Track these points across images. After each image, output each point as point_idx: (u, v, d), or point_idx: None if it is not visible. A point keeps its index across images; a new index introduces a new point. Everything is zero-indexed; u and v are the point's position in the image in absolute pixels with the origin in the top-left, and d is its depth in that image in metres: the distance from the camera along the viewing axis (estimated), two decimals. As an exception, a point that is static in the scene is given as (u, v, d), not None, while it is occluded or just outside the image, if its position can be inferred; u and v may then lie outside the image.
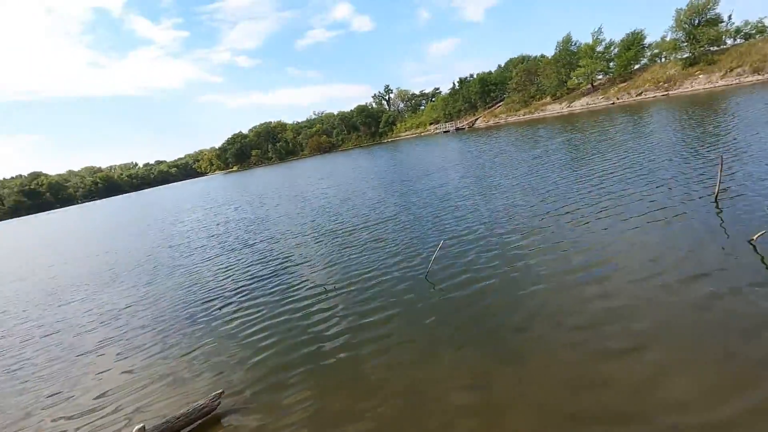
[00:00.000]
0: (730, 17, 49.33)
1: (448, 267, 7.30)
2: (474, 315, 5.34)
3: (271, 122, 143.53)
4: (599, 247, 6.67)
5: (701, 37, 48.02)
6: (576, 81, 62.68)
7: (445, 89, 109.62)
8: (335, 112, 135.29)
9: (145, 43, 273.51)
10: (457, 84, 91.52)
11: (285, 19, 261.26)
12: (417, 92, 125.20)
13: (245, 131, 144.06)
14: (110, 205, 71.30)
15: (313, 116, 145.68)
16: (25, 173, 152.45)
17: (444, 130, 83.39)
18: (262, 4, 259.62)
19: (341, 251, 9.53)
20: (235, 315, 6.98)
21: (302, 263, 9.22)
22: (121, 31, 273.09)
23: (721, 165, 8.06)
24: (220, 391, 4.55)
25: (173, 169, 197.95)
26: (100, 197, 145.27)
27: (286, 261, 9.69)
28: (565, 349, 4.28)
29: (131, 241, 19.00)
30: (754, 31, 49.73)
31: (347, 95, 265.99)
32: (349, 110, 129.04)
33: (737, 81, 42.15)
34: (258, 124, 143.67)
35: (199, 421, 4.29)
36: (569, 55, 64.13)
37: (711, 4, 48.76)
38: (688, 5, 49.89)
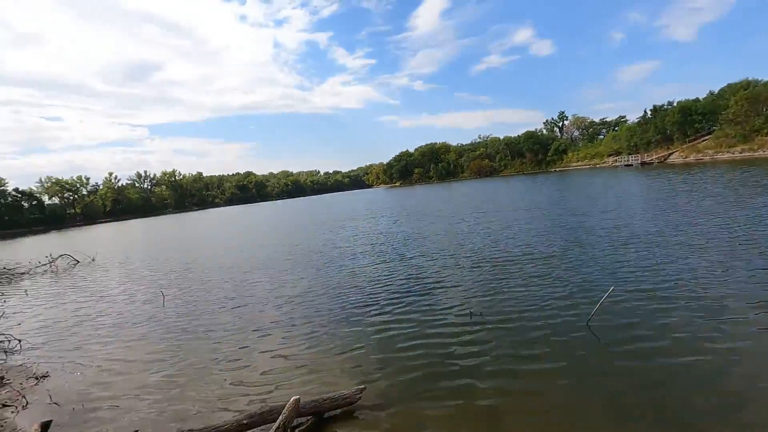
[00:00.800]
0: None
1: (616, 318, 6.37)
2: (643, 386, 4.47)
3: (435, 143, 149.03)
4: None
5: None
6: (832, 113, 47.77)
7: (631, 118, 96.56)
8: (501, 137, 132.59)
9: (340, 70, 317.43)
10: (649, 112, 79.65)
11: (463, 46, 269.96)
12: (596, 120, 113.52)
13: (411, 150, 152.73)
14: (297, 203, 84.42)
15: (478, 140, 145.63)
16: (240, 172, 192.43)
17: (626, 163, 73.33)
18: (444, 32, 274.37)
19: (497, 281, 9.18)
20: (386, 324, 7.31)
21: (455, 286, 9.20)
22: (325, 60, 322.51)
23: None
24: (363, 387, 4.84)
25: (346, 179, 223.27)
26: (289, 197, 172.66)
27: (440, 281, 9.81)
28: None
29: (308, 236, 22.02)
30: None
31: (515, 120, 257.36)
32: (515, 135, 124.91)
33: None
34: (423, 144, 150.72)
35: (341, 409, 4.64)
36: (824, 80, 49.40)
37: None
38: None
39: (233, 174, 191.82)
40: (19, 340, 8.57)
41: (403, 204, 42.86)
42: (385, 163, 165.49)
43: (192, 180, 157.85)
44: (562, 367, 5.18)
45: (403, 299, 8.54)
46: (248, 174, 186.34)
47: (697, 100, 72.39)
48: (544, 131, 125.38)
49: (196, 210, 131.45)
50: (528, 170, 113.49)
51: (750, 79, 65.92)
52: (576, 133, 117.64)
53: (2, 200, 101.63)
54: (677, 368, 4.80)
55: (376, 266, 12.26)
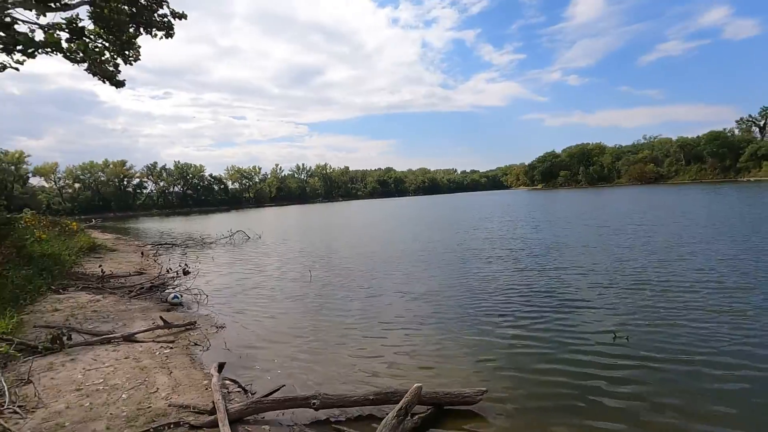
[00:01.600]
0: None
1: None
2: None
3: (588, 144, 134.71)
4: None
5: None
6: None
7: None
8: (673, 138, 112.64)
9: (485, 66, 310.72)
10: None
11: (631, 33, 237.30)
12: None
13: (558, 150, 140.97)
14: (433, 200, 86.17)
15: (642, 140, 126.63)
16: (382, 167, 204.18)
17: None
18: (608, 19, 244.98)
19: (660, 308, 7.81)
20: (518, 338, 6.83)
21: (604, 307, 8.07)
22: (470, 58, 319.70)
23: None
24: (485, 389, 4.76)
25: (483, 179, 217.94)
26: (425, 193, 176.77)
27: (585, 299, 8.75)
28: None
29: (443, 234, 22.31)
30: None
31: (693, 118, 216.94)
32: (693, 136, 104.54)
33: None
34: (573, 144, 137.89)
35: (459, 407, 4.65)
36: None
37: None
38: None
39: (375, 169, 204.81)
40: (207, 295, 10.74)
41: (546, 208, 39.96)
42: (527, 164, 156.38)
43: (340, 173, 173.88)
44: (703, 396, 4.47)
45: (539, 313, 7.94)
46: (389, 170, 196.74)
47: None
48: (736, 131, 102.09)
49: (342, 201, 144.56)
50: (708, 178, 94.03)
51: None
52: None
53: (202, 183, 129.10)
54: None
55: (511, 273, 11.74)
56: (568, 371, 5.39)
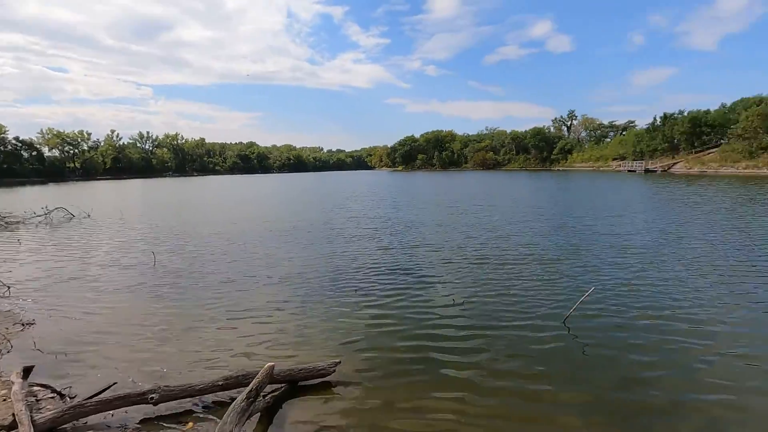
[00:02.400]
0: None
1: (595, 317, 6.52)
2: (608, 380, 4.56)
3: (442, 131, 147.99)
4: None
5: None
6: (841, 137, 47.50)
7: (641, 124, 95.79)
8: (508, 131, 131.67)
9: (353, 47, 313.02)
10: (659, 120, 78.97)
11: (480, 34, 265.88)
12: (605, 122, 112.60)
13: (417, 135, 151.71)
14: (299, 178, 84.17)
15: (485, 131, 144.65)
16: (243, 141, 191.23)
17: (630, 168, 73.18)
18: (463, 18, 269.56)
19: (487, 274, 9.29)
20: (373, 312, 7.29)
21: (446, 280, 9.23)
22: (337, 36, 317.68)
23: None
24: (338, 360, 4.94)
25: (349, 159, 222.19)
26: (290, 171, 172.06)
27: (431, 270, 9.87)
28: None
29: (309, 213, 22.05)
30: None
31: (525, 115, 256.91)
32: (523, 131, 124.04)
33: None
34: (429, 131, 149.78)
35: (315, 380, 4.74)
36: (838, 103, 49.00)
37: None
38: None
39: (236, 143, 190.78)
40: (8, 287, 8.64)
41: (406, 189, 42.80)
42: (389, 146, 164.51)
43: (194, 145, 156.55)
44: (532, 356, 5.34)
45: (397, 290, 8.44)
46: (251, 144, 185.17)
47: (708, 111, 71.78)
48: (552, 129, 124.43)
49: (197, 176, 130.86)
50: (532, 167, 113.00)
51: (764, 95, 65.17)
52: (583, 134, 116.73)
53: (1, 148, 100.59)
54: (644, 365, 4.91)
55: (372, 252, 12.31)
56: (418, 345, 5.78)
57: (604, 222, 16.11)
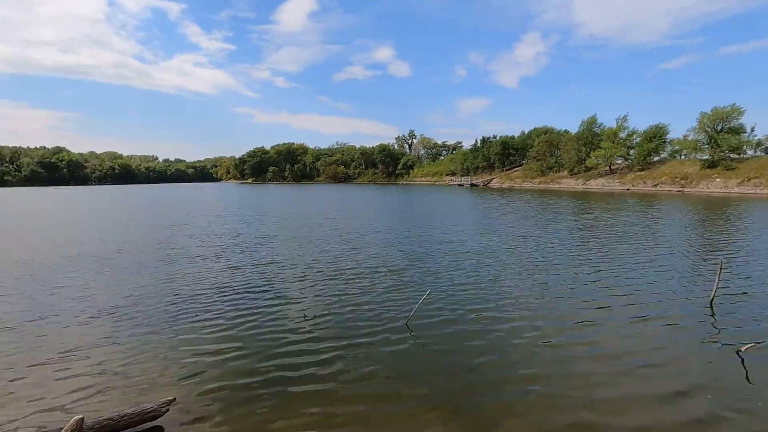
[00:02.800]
0: (753, 129, 50.48)
1: (432, 317, 7.34)
2: (446, 370, 5.27)
3: (293, 143, 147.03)
4: (579, 336, 6.62)
5: (722, 142, 49.20)
6: (595, 161, 63.79)
7: (467, 144, 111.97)
8: (357, 146, 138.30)
9: (192, 48, 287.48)
10: (479, 142, 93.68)
11: (329, 52, 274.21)
12: (439, 142, 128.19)
13: (267, 147, 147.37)
14: (125, 191, 72.01)
15: (336, 146, 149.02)
16: (49, 146, 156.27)
17: (459, 183, 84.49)
18: (311, 34, 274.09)
19: (337, 287, 9.54)
20: (216, 328, 6.87)
21: (300, 292, 9.20)
22: (174, 34, 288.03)
23: (720, 270, 8.11)
24: (172, 398, 4.46)
25: (191, 170, 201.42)
26: (115, 183, 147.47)
27: (284, 286, 9.69)
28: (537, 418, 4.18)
29: (143, 233, 19.16)
30: (774, 147, 50.63)
31: (372, 132, 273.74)
32: (371, 146, 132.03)
33: (753, 191, 42.58)
34: (281, 143, 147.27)
35: (144, 425, 4.17)
36: (592, 135, 65.75)
37: (736, 114, 50.23)
38: (712, 110, 51.47)
39: (38, 147, 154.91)
40: None
41: (257, 203, 40.93)
42: (237, 157, 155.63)
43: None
44: (381, 360, 5.74)
45: (246, 311, 8.03)
46: (59, 150, 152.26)
47: (513, 137, 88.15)
48: (396, 146, 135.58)
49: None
50: (379, 180, 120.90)
51: (548, 126, 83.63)
52: (422, 151, 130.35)
53: None
54: (472, 352, 5.78)
55: (219, 272, 11.44)
56: (268, 367, 5.59)
57: (441, 231, 18.26)
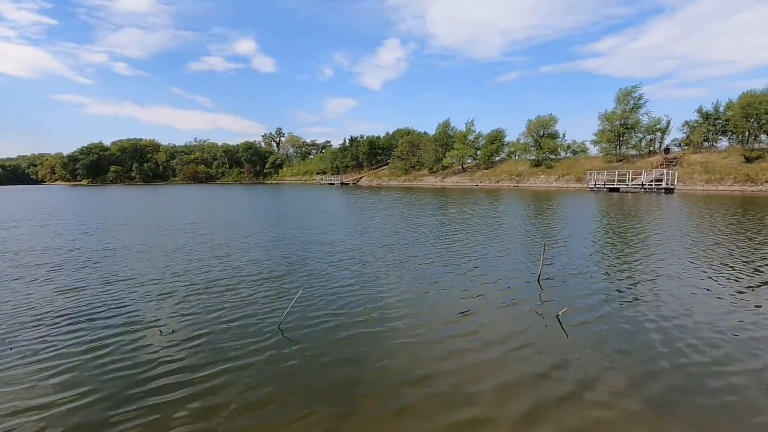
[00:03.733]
0: (564, 135, 62.73)
1: (304, 318, 7.36)
2: (324, 369, 5.34)
3: (141, 139, 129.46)
4: (438, 316, 7.40)
5: (544, 145, 60.15)
6: (449, 160, 71.24)
7: (336, 143, 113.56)
8: (219, 143, 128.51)
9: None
10: (348, 141, 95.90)
11: (180, 38, 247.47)
12: (309, 141, 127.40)
13: (107, 143, 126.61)
14: None
15: (194, 143, 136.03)
16: None
17: (329, 182, 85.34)
18: (159, 15, 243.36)
19: (194, 293, 8.75)
20: (39, 372, 5.66)
21: (163, 309, 8.16)
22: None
23: (544, 251, 9.97)
24: None
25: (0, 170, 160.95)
26: None
27: (144, 304, 8.47)
28: (408, 404, 4.52)
29: None
30: (578, 150, 63.87)
31: (236, 129, 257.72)
32: (235, 144, 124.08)
33: (566, 185, 52.87)
34: (125, 138, 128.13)
35: None
36: (446, 137, 73.24)
37: (552, 122, 61.84)
38: (536, 118, 62.38)
39: None
40: None
41: (97, 208, 34.74)
42: (66, 154, 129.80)
43: None
44: (252, 365, 5.62)
45: (84, 335, 6.81)
46: None
47: (379, 137, 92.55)
48: (263, 144, 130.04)
49: None
50: (246, 180, 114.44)
51: (410, 127, 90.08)
52: (291, 150, 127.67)
53: None
54: (347, 346, 5.95)
55: (49, 297, 9.42)
56: (127, 412, 4.92)
57: (316, 231, 18.18)
